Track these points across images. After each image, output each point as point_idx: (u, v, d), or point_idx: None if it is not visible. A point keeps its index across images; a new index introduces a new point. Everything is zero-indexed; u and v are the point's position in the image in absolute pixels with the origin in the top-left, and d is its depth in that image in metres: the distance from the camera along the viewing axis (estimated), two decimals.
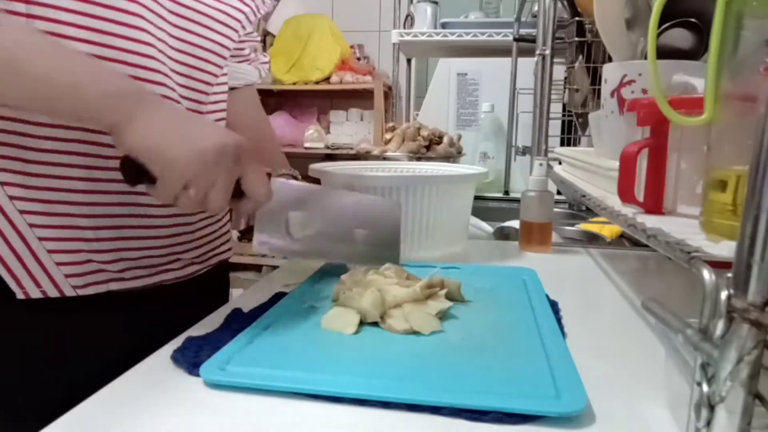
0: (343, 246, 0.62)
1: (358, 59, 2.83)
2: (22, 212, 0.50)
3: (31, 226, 0.51)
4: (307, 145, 2.68)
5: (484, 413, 0.36)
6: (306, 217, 0.59)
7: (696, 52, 0.65)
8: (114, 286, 0.56)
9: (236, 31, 0.65)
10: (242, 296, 0.61)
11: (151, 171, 0.46)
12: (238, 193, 0.50)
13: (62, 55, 0.46)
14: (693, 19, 0.65)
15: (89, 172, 0.53)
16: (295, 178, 0.72)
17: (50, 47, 0.46)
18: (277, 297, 0.59)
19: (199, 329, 0.51)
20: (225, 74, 0.67)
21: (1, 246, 0.50)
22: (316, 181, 0.83)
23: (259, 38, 0.80)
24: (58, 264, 0.52)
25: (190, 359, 0.43)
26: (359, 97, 2.80)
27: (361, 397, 0.37)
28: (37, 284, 0.52)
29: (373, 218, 0.62)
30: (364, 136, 2.74)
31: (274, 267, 0.75)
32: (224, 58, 0.65)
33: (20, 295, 0.51)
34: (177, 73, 0.59)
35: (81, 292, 0.54)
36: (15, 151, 0.50)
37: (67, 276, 0.53)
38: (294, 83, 2.65)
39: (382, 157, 1.31)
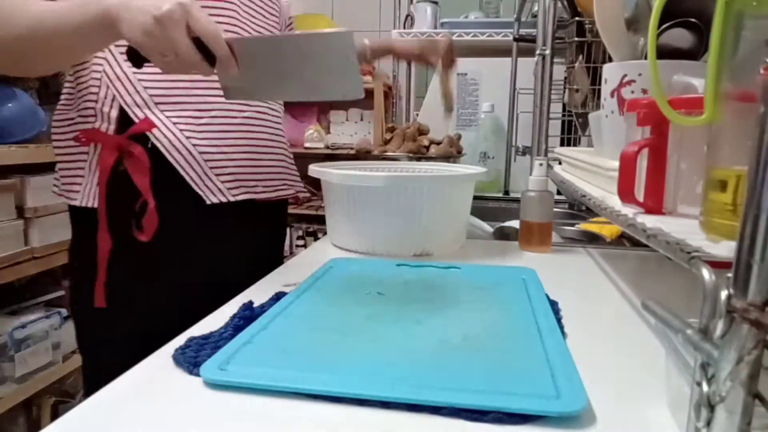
0: (291, 83, 0.62)
1: None
2: (195, 146, 0.71)
3: (201, 153, 0.72)
4: (307, 145, 2.68)
5: (484, 413, 0.36)
6: (257, 66, 0.61)
7: (696, 52, 0.65)
8: (250, 196, 0.77)
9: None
10: (242, 296, 0.61)
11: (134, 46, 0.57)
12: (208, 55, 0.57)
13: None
14: (693, 19, 0.65)
15: (240, 112, 0.76)
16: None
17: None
18: (278, 297, 0.59)
19: (199, 329, 0.51)
20: None
21: (191, 171, 0.71)
22: (317, 181, 0.83)
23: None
24: (219, 176, 0.73)
25: (191, 359, 0.43)
26: None
27: (361, 396, 0.37)
28: (213, 193, 0.73)
29: (319, 49, 0.61)
30: (364, 136, 2.74)
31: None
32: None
33: (208, 201, 0.72)
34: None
35: (233, 198, 0.74)
36: (182, 107, 0.71)
37: (225, 186, 0.74)
38: None
39: (382, 157, 1.30)
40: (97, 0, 0.59)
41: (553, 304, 0.57)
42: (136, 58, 0.60)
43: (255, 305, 0.56)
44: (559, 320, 0.53)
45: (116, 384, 0.41)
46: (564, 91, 1.34)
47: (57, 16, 0.60)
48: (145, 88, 0.70)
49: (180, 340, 0.47)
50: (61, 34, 0.60)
